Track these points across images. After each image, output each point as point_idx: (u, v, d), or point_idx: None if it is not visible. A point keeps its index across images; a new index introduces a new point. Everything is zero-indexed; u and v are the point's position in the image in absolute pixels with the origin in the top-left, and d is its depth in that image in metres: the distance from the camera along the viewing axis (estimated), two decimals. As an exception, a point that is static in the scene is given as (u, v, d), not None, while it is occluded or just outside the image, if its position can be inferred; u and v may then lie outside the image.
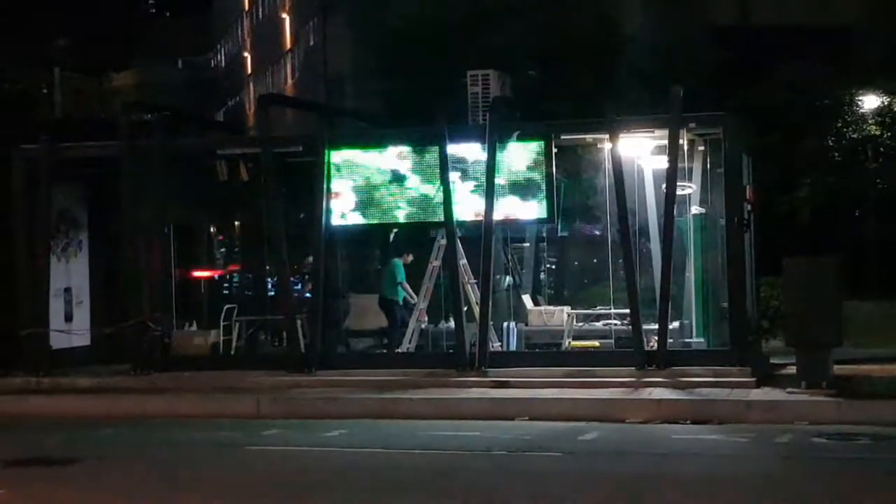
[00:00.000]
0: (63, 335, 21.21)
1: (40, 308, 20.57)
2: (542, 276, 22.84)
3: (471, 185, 19.20)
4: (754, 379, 17.68)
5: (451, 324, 19.77)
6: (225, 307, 21.72)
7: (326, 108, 31.57)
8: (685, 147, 18.94)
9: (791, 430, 15.02)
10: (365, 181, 19.60)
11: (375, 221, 20.03)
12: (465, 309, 19.40)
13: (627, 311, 18.64)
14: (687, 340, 19.38)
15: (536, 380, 18.16)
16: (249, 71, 62.17)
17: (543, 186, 18.98)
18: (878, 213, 27.12)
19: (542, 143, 19.10)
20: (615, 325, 19.69)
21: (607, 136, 18.83)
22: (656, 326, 18.29)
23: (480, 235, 19.10)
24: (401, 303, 21.34)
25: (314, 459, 14.08)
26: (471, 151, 19.30)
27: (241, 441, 15.21)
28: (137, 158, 20.33)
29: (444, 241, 19.70)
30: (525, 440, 14.74)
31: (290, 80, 52.32)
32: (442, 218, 19.31)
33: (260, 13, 59.63)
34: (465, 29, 26.29)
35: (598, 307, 20.55)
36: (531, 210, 19.21)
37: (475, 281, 19.52)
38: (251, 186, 20.86)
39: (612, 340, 19.59)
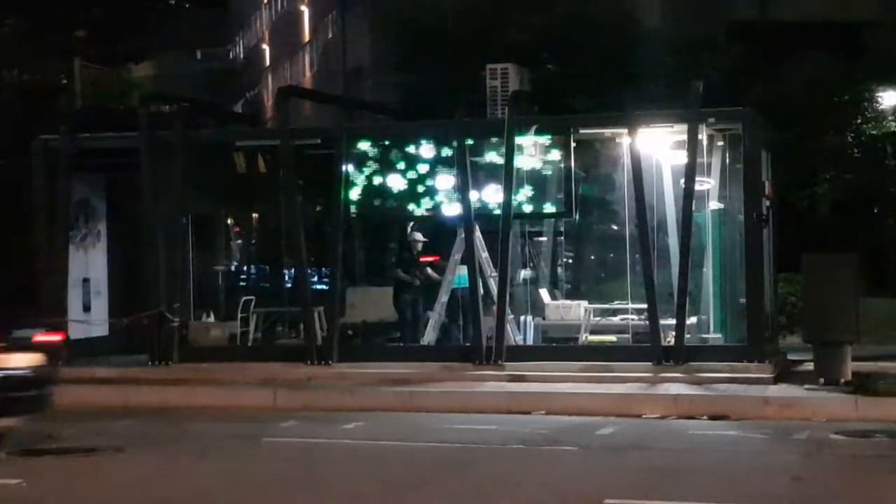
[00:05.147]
0: (81, 325, 21.26)
1: (59, 298, 20.63)
2: (560, 270, 22.83)
3: (489, 178, 19.20)
4: (772, 375, 17.68)
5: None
6: (242, 299, 21.76)
7: (345, 101, 31.64)
8: (704, 142, 18.90)
9: (808, 427, 15.01)
10: (383, 174, 19.60)
11: (393, 215, 20.07)
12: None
13: (645, 306, 18.63)
14: (704, 336, 19.36)
15: (553, 374, 18.16)
16: (268, 63, 62.24)
17: (562, 180, 18.97)
18: (898, 211, 27.07)
19: (560, 137, 19.09)
20: (632, 319, 19.67)
21: (626, 130, 18.80)
22: (674, 322, 18.27)
23: (498, 229, 19.11)
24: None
25: (331, 452, 14.10)
26: (489, 145, 19.31)
27: (259, 433, 15.24)
28: (156, 150, 20.37)
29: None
30: (542, 434, 14.75)
31: (308, 73, 52.35)
32: (460, 211, 19.31)
33: (279, 5, 59.68)
34: (484, 22, 26.25)
35: (616, 302, 20.54)
36: (549, 204, 19.22)
37: (496, 274, 19.51)
38: (269, 178, 20.88)
39: (630, 335, 19.57)
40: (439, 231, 21.37)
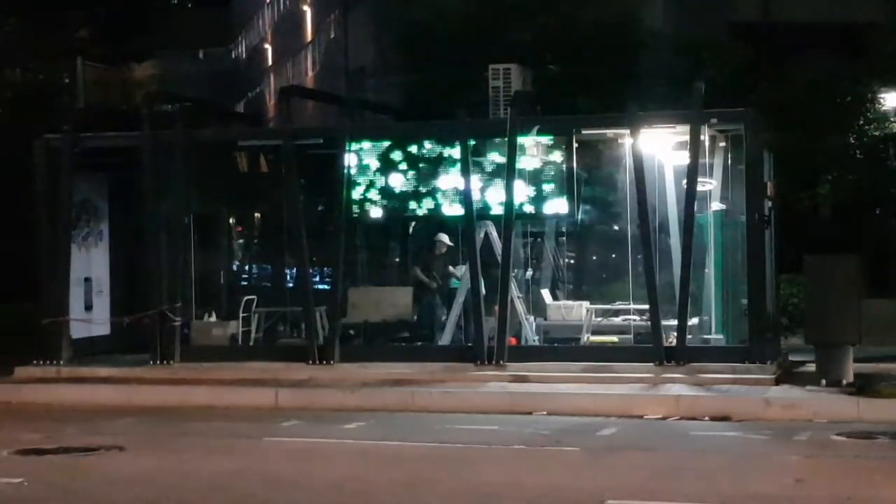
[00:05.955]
0: (83, 324, 21.30)
1: (61, 297, 20.65)
2: (562, 270, 22.83)
3: (491, 179, 19.21)
4: (773, 376, 17.67)
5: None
6: (244, 298, 21.77)
7: (347, 101, 31.60)
8: (706, 143, 18.90)
9: (810, 428, 15.00)
10: (385, 174, 19.62)
11: (395, 215, 20.07)
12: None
13: (646, 306, 18.63)
14: (706, 337, 19.37)
15: (555, 374, 18.17)
16: (270, 62, 62.23)
17: (564, 181, 18.99)
18: (900, 212, 27.02)
19: (562, 137, 19.11)
20: (634, 320, 19.68)
21: (628, 131, 18.80)
22: (675, 322, 18.28)
23: (500, 230, 19.11)
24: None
25: (332, 452, 14.10)
26: (492, 146, 19.31)
27: (260, 433, 15.25)
28: (159, 149, 20.40)
29: (482, 235, 19.67)
30: (543, 435, 14.75)
31: (310, 73, 52.34)
32: (462, 212, 19.32)
33: (281, 5, 59.67)
34: (486, 22, 26.24)
35: (617, 302, 20.54)
36: (551, 205, 19.21)
37: (514, 272, 19.49)
38: (271, 178, 20.89)
39: (631, 336, 19.57)
40: (440, 231, 21.38)
